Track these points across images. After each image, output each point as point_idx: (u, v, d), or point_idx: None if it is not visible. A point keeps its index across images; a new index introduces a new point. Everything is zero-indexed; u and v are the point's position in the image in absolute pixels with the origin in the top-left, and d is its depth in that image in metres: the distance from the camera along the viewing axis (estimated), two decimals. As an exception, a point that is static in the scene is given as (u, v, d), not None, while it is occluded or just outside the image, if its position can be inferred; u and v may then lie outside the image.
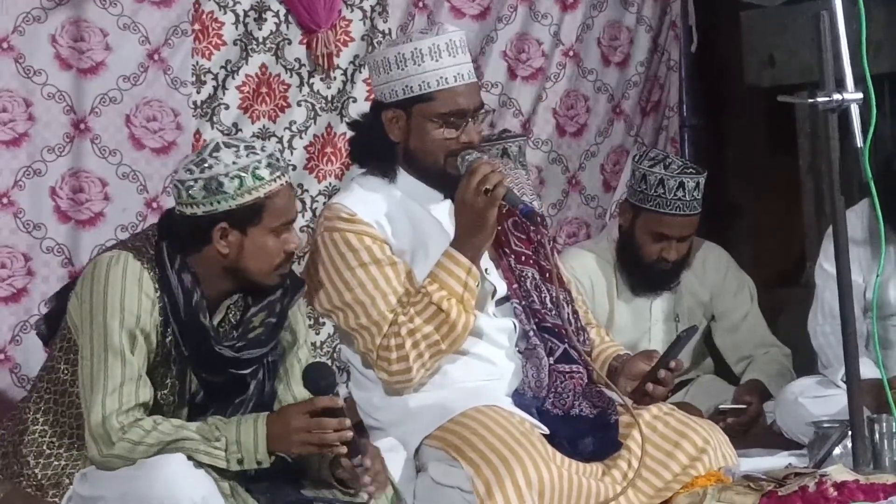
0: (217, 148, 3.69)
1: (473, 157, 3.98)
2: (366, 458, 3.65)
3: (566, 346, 4.12)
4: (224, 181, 3.64)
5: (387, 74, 4.05)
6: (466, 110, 4.03)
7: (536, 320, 4.12)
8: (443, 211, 4.10)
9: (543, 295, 4.15)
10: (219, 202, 3.64)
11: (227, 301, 3.79)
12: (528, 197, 4.19)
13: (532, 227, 4.21)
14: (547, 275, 4.18)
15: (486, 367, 4.09)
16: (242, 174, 3.64)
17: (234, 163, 3.65)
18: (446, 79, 4.01)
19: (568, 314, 4.18)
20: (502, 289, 4.12)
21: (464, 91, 4.04)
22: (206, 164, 3.66)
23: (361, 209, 4.04)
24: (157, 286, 3.66)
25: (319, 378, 3.66)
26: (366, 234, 4.02)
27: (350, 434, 3.61)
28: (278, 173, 3.70)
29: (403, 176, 4.11)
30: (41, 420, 3.74)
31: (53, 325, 3.85)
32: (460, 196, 3.94)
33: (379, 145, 4.10)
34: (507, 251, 4.16)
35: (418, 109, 4.02)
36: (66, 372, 3.73)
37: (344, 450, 3.61)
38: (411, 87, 4.02)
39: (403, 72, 4.02)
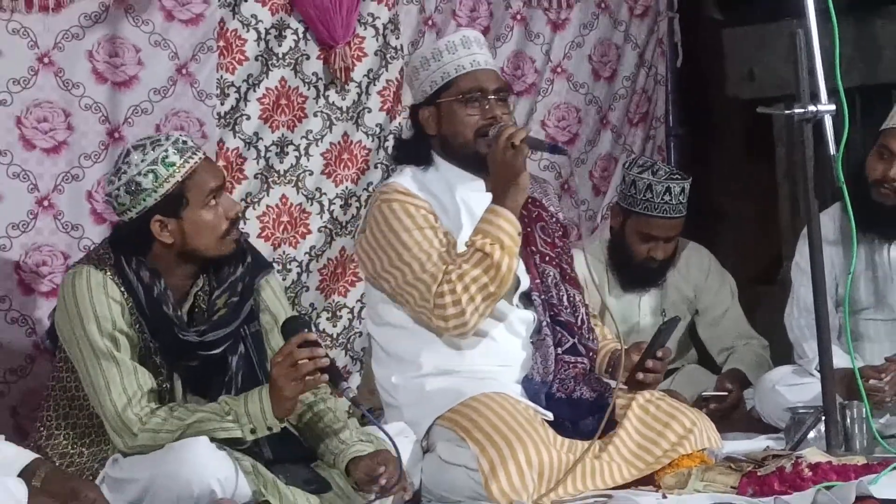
0: (127, 153, 3.72)
1: (499, 126, 4.04)
2: (384, 468, 3.63)
3: (575, 340, 4.18)
4: (140, 180, 3.65)
5: (417, 79, 4.20)
6: (486, 89, 4.11)
7: (552, 314, 4.18)
8: (482, 199, 4.10)
9: (561, 293, 4.21)
10: (144, 200, 3.65)
11: (193, 289, 3.79)
12: (554, 208, 4.32)
13: (559, 232, 4.32)
14: (566, 277, 4.26)
15: (502, 353, 4.12)
16: (154, 167, 3.65)
17: (143, 161, 3.66)
18: (462, 65, 4.12)
19: (581, 314, 4.25)
20: (526, 282, 4.16)
21: (481, 74, 4.14)
22: (121, 171, 3.69)
23: (413, 188, 4.11)
24: (122, 290, 3.67)
25: (290, 325, 3.65)
26: (420, 206, 4.08)
27: (325, 360, 3.57)
28: (188, 154, 3.71)
29: (441, 163, 4.19)
30: (62, 425, 3.76)
31: (55, 338, 3.84)
32: (492, 157, 4.01)
33: (416, 140, 4.21)
34: (534, 250, 4.20)
35: (445, 97, 4.13)
36: (69, 379, 3.75)
37: (325, 378, 3.60)
38: (435, 81, 4.14)
39: (428, 71, 4.16)
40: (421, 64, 4.18)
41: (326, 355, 3.61)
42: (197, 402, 3.71)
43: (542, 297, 4.18)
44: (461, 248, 4.06)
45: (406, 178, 4.16)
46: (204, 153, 3.77)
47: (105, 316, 3.62)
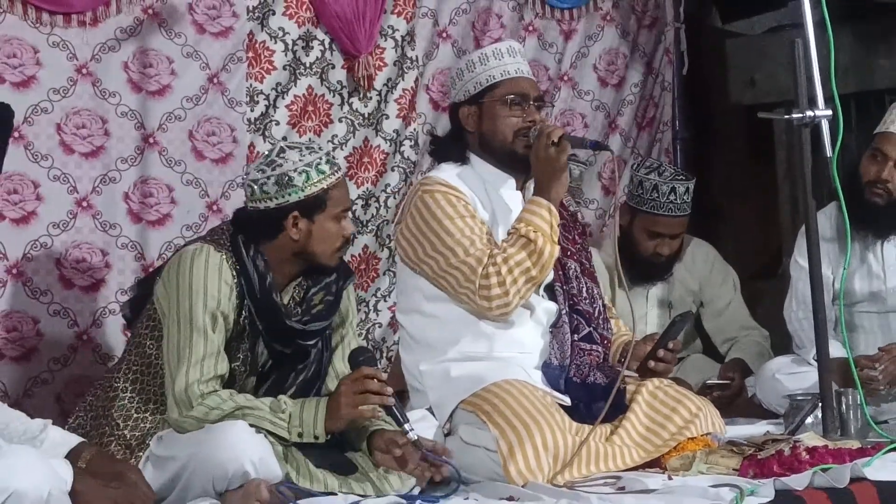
0: (283, 150, 3.80)
1: (536, 128, 4.12)
2: (415, 437, 3.70)
3: (591, 329, 4.23)
4: (293, 176, 3.75)
5: (461, 80, 4.26)
6: (528, 95, 4.19)
7: (571, 304, 4.23)
8: (514, 198, 4.19)
9: (581, 285, 4.28)
10: (290, 194, 3.75)
11: (292, 283, 3.87)
12: (573, 208, 4.37)
13: (578, 230, 4.39)
14: (585, 271, 4.32)
15: (524, 341, 4.16)
16: (308, 169, 3.76)
17: (300, 160, 3.77)
18: (508, 71, 4.20)
19: (598, 306, 4.31)
20: (551, 275, 4.19)
21: (524, 81, 4.22)
22: (276, 164, 3.77)
23: (453, 180, 4.16)
24: (234, 273, 3.75)
25: (359, 355, 3.77)
26: (461, 197, 4.13)
27: (391, 400, 3.68)
28: (336, 168, 3.83)
29: (478, 162, 4.24)
30: (130, 388, 3.82)
31: (136, 309, 3.93)
32: (534, 154, 4.08)
33: (455, 138, 4.27)
34: (557, 244, 4.19)
35: (488, 98, 4.19)
36: (151, 347, 3.81)
37: (381, 413, 3.70)
38: (480, 83, 4.21)
39: (473, 73, 4.22)
40: (467, 66, 4.25)
41: (393, 395, 3.68)
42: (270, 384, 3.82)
43: (564, 287, 4.22)
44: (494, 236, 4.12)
45: (445, 173, 4.20)
46: (343, 173, 3.88)
47: (213, 295, 3.70)
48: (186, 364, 3.68)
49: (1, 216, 4.64)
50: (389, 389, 3.70)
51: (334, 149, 5.41)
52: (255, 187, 3.78)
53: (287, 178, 3.75)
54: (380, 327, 5.56)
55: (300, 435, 3.67)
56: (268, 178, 3.77)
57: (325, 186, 3.78)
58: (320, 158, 3.79)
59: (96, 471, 3.33)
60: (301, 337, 3.84)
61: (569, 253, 4.29)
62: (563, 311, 4.21)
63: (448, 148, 4.30)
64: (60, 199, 4.80)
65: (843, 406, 4.23)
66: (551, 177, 4.07)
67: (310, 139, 5.31)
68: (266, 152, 3.86)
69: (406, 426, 3.71)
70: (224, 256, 3.76)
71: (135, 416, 3.79)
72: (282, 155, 3.78)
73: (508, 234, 4.08)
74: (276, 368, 3.86)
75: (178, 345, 3.70)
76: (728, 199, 6.88)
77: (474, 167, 4.24)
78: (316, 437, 3.68)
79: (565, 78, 6.21)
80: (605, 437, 4.01)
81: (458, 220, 4.09)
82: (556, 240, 4.08)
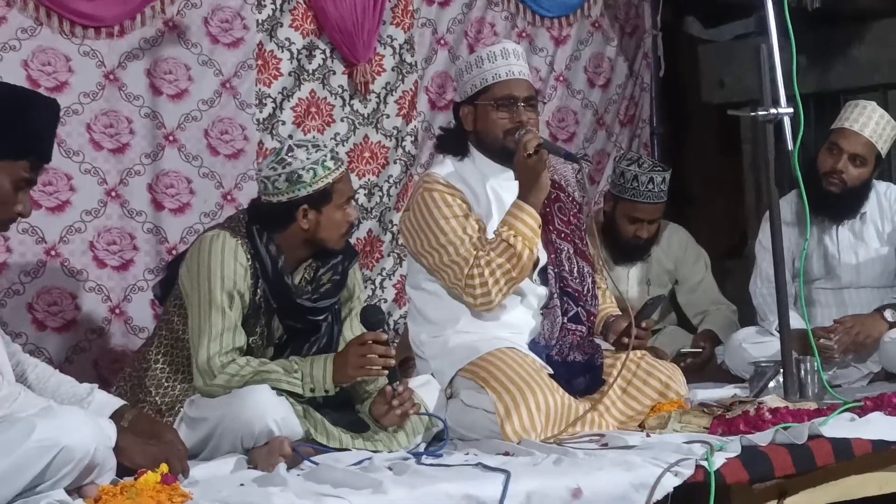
0: (291, 149, 3.85)
1: (523, 132, 4.12)
2: (400, 385, 3.82)
3: (579, 308, 4.26)
4: (302, 173, 3.82)
5: (461, 80, 4.28)
6: (517, 97, 4.16)
7: (561, 285, 4.26)
8: (510, 188, 4.18)
9: (573, 266, 4.29)
10: (299, 189, 3.83)
11: (303, 264, 3.94)
12: (571, 188, 4.39)
13: (574, 210, 4.38)
14: (578, 251, 4.34)
15: (515, 323, 4.21)
16: (315, 167, 3.83)
17: (307, 158, 3.83)
18: (499, 74, 4.19)
19: (588, 284, 4.32)
20: (544, 258, 4.24)
21: (514, 83, 4.19)
22: (286, 162, 3.82)
23: (453, 179, 4.19)
24: (248, 256, 3.82)
25: (371, 316, 3.84)
26: (457, 196, 4.16)
27: (392, 362, 3.76)
28: (340, 163, 3.88)
29: (476, 155, 4.24)
30: (161, 360, 3.91)
31: (166, 289, 4.01)
32: (516, 161, 4.10)
33: (457, 133, 4.30)
34: (551, 228, 4.27)
35: (481, 100, 4.20)
36: (178, 323, 3.91)
37: (384, 374, 3.78)
38: (475, 85, 4.22)
39: (471, 75, 4.24)
40: (465, 68, 4.25)
41: (393, 357, 3.77)
42: (287, 353, 3.88)
43: (556, 270, 4.25)
44: (490, 231, 4.14)
45: (445, 168, 4.23)
46: (346, 167, 3.93)
47: (229, 276, 3.78)
48: (207, 338, 3.75)
49: (38, 205, 4.71)
50: (392, 352, 3.79)
51: (336, 145, 5.47)
52: (268, 183, 3.84)
53: (296, 175, 3.81)
54: (385, 303, 5.62)
55: (312, 390, 3.76)
56: (279, 175, 3.83)
57: (331, 181, 3.84)
58: (325, 155, 3.84)
59: (137, 430, 3.41)
60: (311, 313, 3.91)
61: (563, 235, 4.30)
62: (555, 294, 4.24)
63: (450, 142, 4.31)
64: (91, 190, 4.91)
65: (802, 372, 4.28)
66: (532, 183, 4.09)
67: (314, 137, 5.35)
68: (276, 150, 3.91)
69: (396, 384, 3.80)
70: (239, 242, 3.82)
71: (165, 384, 3.89)
72: (291, 154, 3.83)
73: (495, 234, 4.10)
74: (291, 341, 3.92)
75: (199, 321, 3.78)
76: (700, 188, 6.93)
77: (474, 161, 4.25)
78: (326, 391, 3.77)
79: (561, 78, 6.26)
80: (588, 409, 4.07)
81: (452, 221, 4.12)
82: (535, 242, 4.10)
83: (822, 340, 4.83)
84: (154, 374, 3.91)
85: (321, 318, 3.95)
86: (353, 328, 4.05)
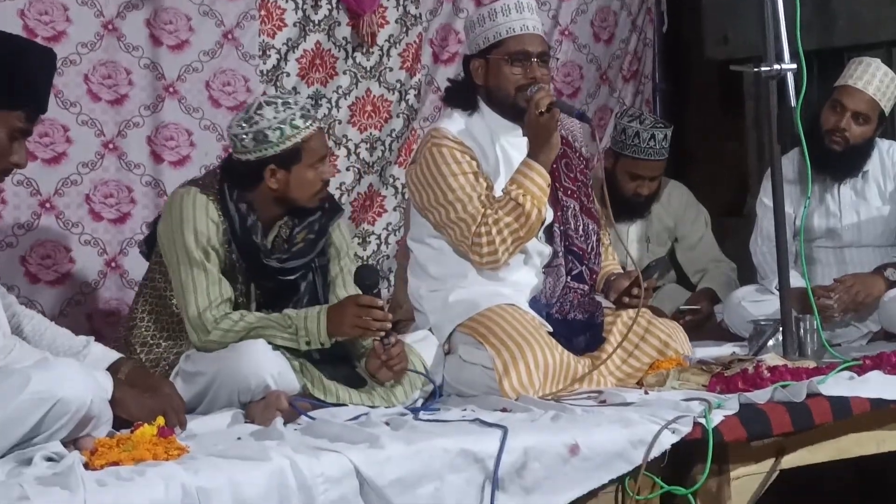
0: (260, 106, 3.79)
1: (535, 89, 4.06)
2: (392, 339, 3.81)
3: (583, 267, 4.24)
4: (268, 133, 3.76)
5: (472, 32, 4.20)
6: (531, 53, 4.11)
7: (566, 243, 4.23)
8: (519, 144, 4.15)
9: (578, 223, 4.27)
10: (266, 149, 3.77)
11: (278, 223, 3.90)
12: (578, 144, 4.36)
13: (581, 166, 4.35)
14: (584, 208, 4.31)
15: (517, 281, 4.19)
16: (282, 126, 3.76)
17: (274, 117, 3.76)
18: (514, 28, 4.12)
19: (593, 242, 4.29)
20: (550, 216, 4.21)
21: (528, 38, 4.13)
22: (253, 120, 3.77)
23: (461, 135, 4.14)
24: (220, 213, 3.79)
25: (366, 277, 3.81)
26: (465, 153, 4.12)
27: (389, 325, 3.76)
28: (310, 121, 3.80)
29: (486, 111, 4.19)
30: (146, 318, 3.90)
31: (150, 245, 3.98)
32: (527, 120, 4.04)
33: (466, 87, 4.23)
34: (558, 185, 4.23)
35: (494, 54, 4.13)
36: (160, 281, 3.89)
37: (381, 334, 3.77)
38: (488, 38, 4.15)
39: (483, 27, 4.16)
40: (478, 20, 4.18)
41: (389, 322, 3.77)
42: (266, 313, 3.82)
43: (561, 227, 4.23)
44: (497, 190, 4.11)
45: (454, 123, 4.18)
46: (320, 124, 3.87)
47: (202, 231, 3.75)
48: (193, 294, 3.74)
49: (34, 156, 4.68)
50: (389, 317, 3.78)
51: (339, 99, 5.45)
52: (237, 141, 3.79)
53: (263, 134, 3.75)
54: (387, 259, 5.62)
55: (308, 343, 3.74)
56: (246, 133, 3.77)
57: (299, 140, 3.77)
58: (294, 114, 3.77)
59: (134, 383, 3.41)
60: (280, 273, 3.86)
61: (569, 192, 4.28)
62: (560, 252, 4.22)
63: (460, 96, 4.25)
64: (88, 142, 4.87)
65: (802, 330, 4.28)
66: (542, 141, 4.05)
67: (317, 90, 5.35)
68: (247, 106, 3.86)
69: (387, 341, 3.79)
70: (210, 198, 3.78)
71: (150, 342, 3.88)
72: (259, 111, 3.77)
73: (503, 192, 4.08)
74: (270, 302, 3.87)
75: (181, 278, 3.77)
76: (702, 145, 6.91)
77: (483, 116, 4.20)
78: (322, 344, 3.75)
79: (567, 32, 6.23)
80: (586, 368, 4.05)
81: (461, 177, 4.09)
82: (544, 201, 4.06)
83: (822, 300, 4.80)
84: (139, 332, 3.90)
85: (293, 277, 3.89)
86: (346, 286, 4.02)
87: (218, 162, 5.04)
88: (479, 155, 4.16)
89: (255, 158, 3.79)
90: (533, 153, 4.09)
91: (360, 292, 3.82)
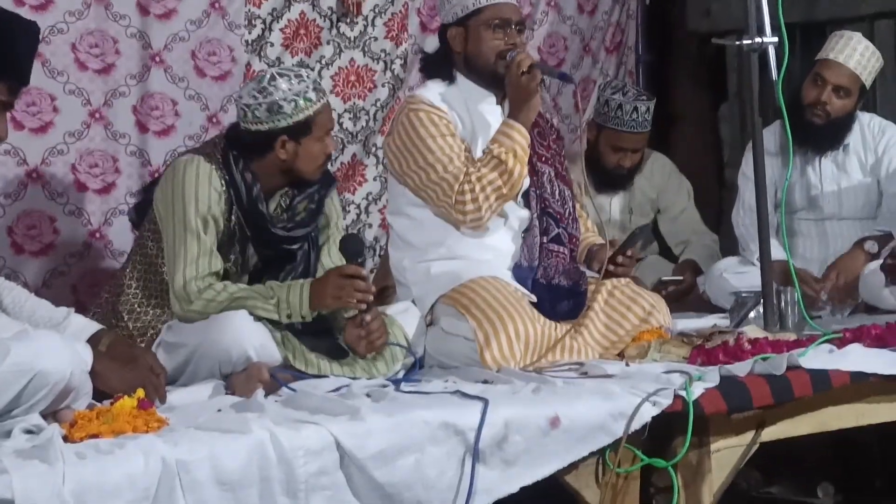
0: (273, 78, 3.78)
1: (515, 53, 4.11)
2: (369, 315, 3.77)
3: (560, 230, 4.24)
4: (283, 104, 3.75)
5: (450, 3, 4.21)
6: (510, 20, 4.15)
7: (542, 206, 4.24)
8: (494, 112, 4.19)
9: (554, 188, 4.28)
10: (279, 120, 3.77)
11: (279, 192, 3.89)
12: (549, 115, 4.34)
13: (553, 135, 4.37)
14: (559, 175, 4.32)
15: (497, 245, 4.19)
16: (297, 98, 3.77)
17: (289, 89, 3.76)
18: None
19: (570, 207, 4.31)
20: (527, 181, 4.21)
21: (506, 6, 4.17)
22: (267, 91, 3.76)
23: (437, 101, 4.15)
24: (223, 182, 3.77)
25: (351, 246, 3.80)
26: (443, 116, 4.13)
27: (371, 297, 3.74)
28: (321, 94, 3.82)
29: (463, 80, 4.21)
30: (134, 285, 3.86)
31: (141, 213, 3.95)
32: (508, 80, 4.08)
33: (443, 56, 4.24)
34: (532, 152, 4.21)
35: (473, 22, 4.16)
36: (152, 248, 3.86)
37: (363, 307, 3.74)
38: (468, 6, 4.17)
39: None
40: None
41: (371, 294, 3.74)
42: (263, 281, 3.81)
43: (537, 192, 4.24)
44: (475, 156, 4.12)
45: (431, 91, 4.19)
46: (327, 98, 3.87)
47: (204, 200, 3.73)
48: (183, 263, 3.71)
49: (21, 126, 4.64)
50: (372, 289, 3.76)
51: (321, 69, 5.40)
52: (248, 111, 3.78)
53: (277, 105, 3.75)
54: (370, 227, 5.59)
55: (289, 316, 3.72)
56: (259, 104, 3.77)
57: (312, 113, 3.78)
58: (307, 87, 3.78)
59: (114, 354, 3.37)
60: (285, 242, 3.87)
61: (543, 158, 4.29)
62: (535, 215, 4.22)
63: (437, 66, 4.27)
64: (75, 111, 4.80)
65: (783, 302, 4.26)
66: (523, 102, 4.08)
67: (301, 60, 5.31)
68: (258, 77, 3.85)
69: (367, 316, 3.76)
70: (214, 167, 3.77)
71: (137, 309, 3.84)
72: (273, 83, 3.77)
73: (484, 152, 4.08)
74: (266, 269, 3.86)
75: (174, 246, 3.74)
76: (684, 117, 6.87)
77: (459, 85, 4.22)
78: (303, 317, 3.73)
79: (552, 3, 6.18)
80: (570, 334, 4.04)
81: (440, 139, 4.09)
82: (525, 160, 4.09)
83: (809, 293, 4.83)
84: (127, 298, 3.87)
85: (296, 246, 3.90)
86: (331, 255, 4.01)
87: (201, 132, 5.07)
88: (455, 120, 4.16)
89: (266, 129, 3.78)
90: (513, 113, 4.11)
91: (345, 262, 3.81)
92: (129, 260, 3.95)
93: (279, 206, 3.92)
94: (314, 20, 5.39)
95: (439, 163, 4.08)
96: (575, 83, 4.20)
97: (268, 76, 3.82)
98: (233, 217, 3.80)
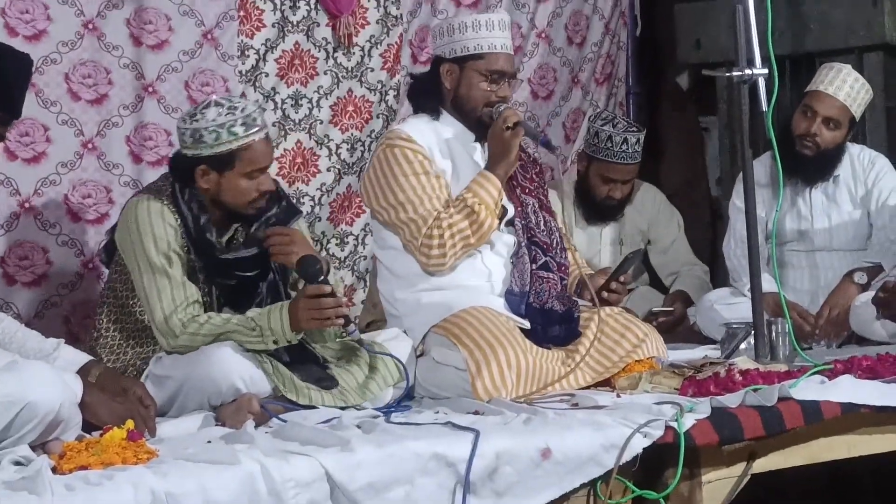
0: (207, 105, 3.76)
1: (503, 107, 4.14)
2: (350, 326, 3.73)
3: (548, 258, 4.23)
4: (204, 134, 3.72)
5: (449, 37, 4.20)
6: (505, 72, 4.19)
7: (529, 236, 4.24)
8: (474, 151, 4.21)
9: (539, 219, 4.29)
10: (201, 149, 3.73)
11: (234, 224, 3.86)
12: (531, 150, 4.38)
13: (536, 169, 4.40)
14: (543, 206, 4.33)
15: (487, 271, 4.18)
16: (219, 130, 3.72)
17: (213, 120, 3.72)
18: (495, 45, 4.17)
19: (556, 237, 4.31)
20: (511, 210, 4.22)
21: (505, 58, 4.20)
22: (195, 118, 3.74)
23: (416, 136, 4.15)
24: (175, 216, 3.75)
25: (308, 267, 3.73)
26: (419, 153, 4.12)
27: (345, 311, 3.72)
28: (253, 130, 3.74)
29: (447, 117, 4.23)
30: (111, 327, 3.85)
31: (109, 254, 3.93)
32: (492, 132, 4.11)
33: (432, 89, 4.24)
34: (515, 183, 4.25)
35: (470, 65, 4.17)
36: (122, 290, 3.84)
37: (341, 322, 3.71)
38: (467, 48, 4.17)
39: (463, 35, 4.17)
40: (458, 27, 4.20)
41: (343, 305, 3.71)
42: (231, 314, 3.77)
43: (522, 221, 4.24)
44: (453, 187, 4.12)
45: (409, 127, 4.21)
46: (266, 133, 3.80)
47: (161, 237, 3.71)
48: (158, 300, 3.69)
49: (14, 156, 4.63)
50: (342, 300, 3.75)
51: (320, 99, 5.39)
52: (179, 135, 3.79)
53: (199, 134, 3.72)
54: (364, 259, 5.57)
55: (276, 342, 3.69)
56: (186, 129, 3.75)
57: (234, 147, 3.72)
58: (235, 120, 3.72)
59: (104, 386, 3.36)
60: (236, 268, 3.82)
61: (527, 190, 4.31)
62: (523, 243, 4.22)
63: (424, 96, 4.28)
64: (68, 142, 4.79)
65: (773, 334, 4.25)
66: (502, 156, 4.10)
67: (297, 90, 5.31)
68: (201, 102, 3.84)
69: (350, 328, 3.74)
70: (164, 203, 3.75)
71: (117, 350, 3.84)
72: (203, 110, 3.74)
73: (457, 199, 4.09)
74: (232, 304, 3.83)
75: (144, 285, 3.73)
76: (675, 149, 6.84)
77: (443, 121, 4.23)
78: (289, 341, 3.70)
79: (543, 35, 6.18)
80: (560, 360, 4.03)
81: (412, 178, 4.09)
82: (497, 214, 4.10)
83: (804, 329, 4.85)
84: (105, 341, 3.87)
85: (251, 275, 3.84)
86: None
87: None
88: (435, 157, 4.17)
89: (190, 155, 3.77)
90: (492, 166, 4.13)
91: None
92: (103, 303, 3.93)
93: (235, 238, 3.89)
94: (308, 50, 5.39)
95: (410, 203, 4.08)
96: (555, 150, 4.29)
97: (204, 103, 3.80)
98: (189, 249, 3.79)
